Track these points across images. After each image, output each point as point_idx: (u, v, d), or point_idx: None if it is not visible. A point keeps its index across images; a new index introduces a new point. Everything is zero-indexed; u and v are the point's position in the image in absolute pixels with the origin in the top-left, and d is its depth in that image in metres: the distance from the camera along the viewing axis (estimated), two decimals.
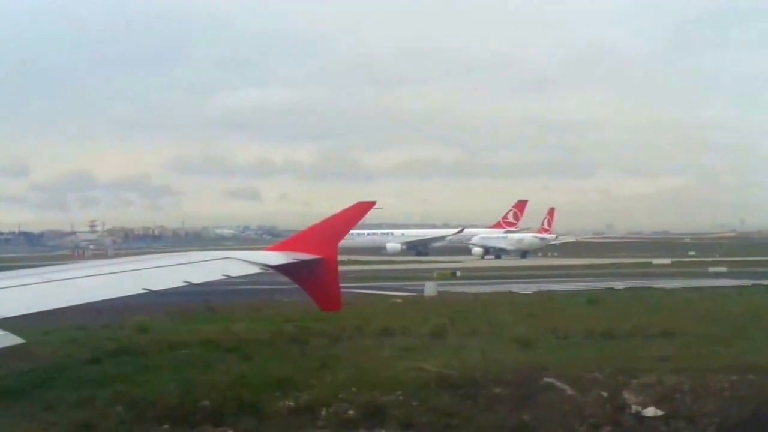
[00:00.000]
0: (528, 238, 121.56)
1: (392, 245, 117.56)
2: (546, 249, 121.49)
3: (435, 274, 66.84)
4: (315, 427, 15.10)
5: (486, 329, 25.71)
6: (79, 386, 17.76)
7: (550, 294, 43.45)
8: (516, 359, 19.46)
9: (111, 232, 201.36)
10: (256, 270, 16.62)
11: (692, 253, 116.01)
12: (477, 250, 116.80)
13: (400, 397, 16.13)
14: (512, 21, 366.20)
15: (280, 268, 17.03)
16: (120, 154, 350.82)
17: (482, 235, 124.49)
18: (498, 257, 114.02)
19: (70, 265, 17.18)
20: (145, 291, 14.62)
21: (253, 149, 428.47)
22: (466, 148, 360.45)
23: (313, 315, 29.08)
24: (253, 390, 16.64)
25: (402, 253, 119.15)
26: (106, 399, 16.45)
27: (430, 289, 45.49)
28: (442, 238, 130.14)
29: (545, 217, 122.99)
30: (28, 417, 15.71)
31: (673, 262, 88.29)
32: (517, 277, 64.02)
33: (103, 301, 14.33)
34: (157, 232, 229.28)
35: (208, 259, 16.77)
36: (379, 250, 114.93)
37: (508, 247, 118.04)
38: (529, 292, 44.71)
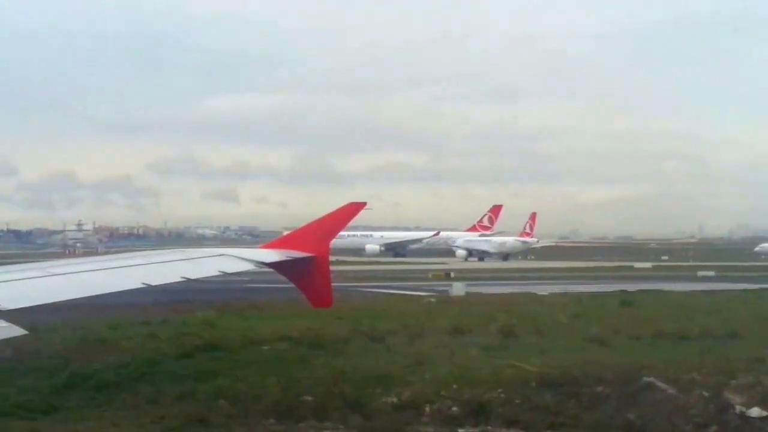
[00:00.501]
0: (511, 241, 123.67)
1: (371, 247, 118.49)
2: (525, 252, 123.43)
3: (430, 275, 68.45)
4: (420, 423, 15.60)
5: (549, 329, 26.22)
6: (177, 380, 18.24)
7: (573, 295, 44.15)
8: (605, 359, 19.65)
9: (97, 231, 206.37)
10: (251, 267, 17.22)
11: (665, 257, 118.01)
12: (461, 252, 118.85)
13: (502, 395, 16.45)
14: (482, 32, 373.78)
15: (273, 266, 17.61)
16: (103, 155, 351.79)
17: (466, 238, 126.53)
18: (481, 259, 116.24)
19: (71, 260, 17.60)
20: (144, 285, 15.22)
21: (232, 153, 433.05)
22: (437, 154, 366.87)
23: (360, 312, 30.17)
24: (354, 386, 16.99)
25: (381, 254, 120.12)
26: (209, 393, 16.89)
27: (458, 289, 46.32)
28: (420, 240, 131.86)
29: (527, 222, 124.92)
30: (134, 410, 16.25)
31: (653, 266, 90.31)
32: (512, 279, 65.17)
33: (104, 294, 14.92)
34: (141, 232, 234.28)
35: (205, 255, 17.31)
36: (358, 251, 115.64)
37: (491, 250, 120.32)
38: (546, 293, 45.87)
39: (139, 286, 14.86)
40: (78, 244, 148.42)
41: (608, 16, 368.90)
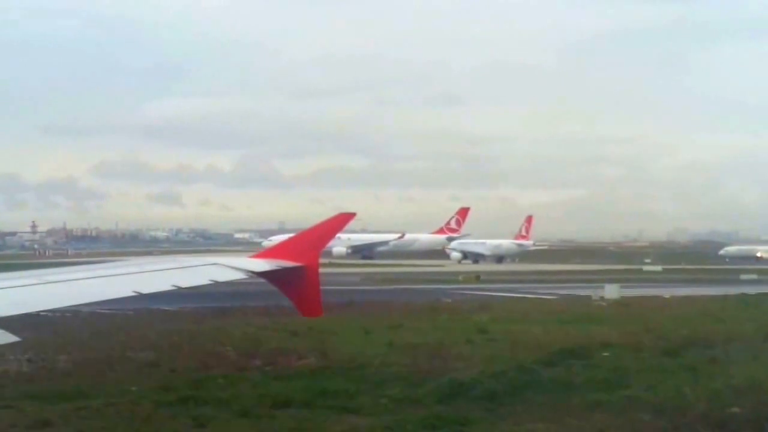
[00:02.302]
0: (506, 244, 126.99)
1: (338, 249, 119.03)
2: (520, 255, 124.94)
3: (461, 277, 71.96)
4: None
5: None
6: (569, 389, 19.18)
7: (713, 299, 47.81)
8: None
9: (51, 232, 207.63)
10: (241, 276, 17.60)
11: (648, 260, 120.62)
12: (455, 255, 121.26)
13: None
14: (427, 35, 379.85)
15: (264, 275, 18.05)
16: (46, 158, 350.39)
17: (461, 241, 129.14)
18: (476, 262, 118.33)
19: (65, 268, 17.89)
20: (135, 294, 15.64)
21: (177, 156, 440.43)
22: (380, 158, 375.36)
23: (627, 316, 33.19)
24: None
25: (348, 257, 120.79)
26: (617, 402, 17.40)
27: (612, 291, 48.23)
28: (386, 242, 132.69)
29: (523, 224, 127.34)
30: (548, 422, 16.68)
31: (664, 269, 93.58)
32: (540, 281, 68.92)
33: (99, 302, 15.32)
34: (94, 234, 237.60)
35: (197, 264, 17.70)
36: (324, 253, 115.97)
37: (486, 253, 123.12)
38: (669, 296, 49.93)
39: (130, 294, 15.28)
40: (35, 246, 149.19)
41: (552, 22, 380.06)
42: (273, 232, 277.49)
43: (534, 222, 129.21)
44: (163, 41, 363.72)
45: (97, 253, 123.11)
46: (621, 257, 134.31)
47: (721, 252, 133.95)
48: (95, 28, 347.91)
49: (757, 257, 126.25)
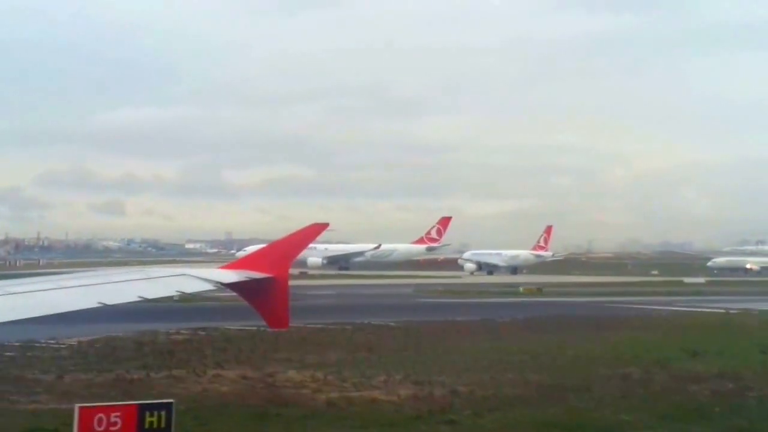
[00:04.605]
0: (524, 254, 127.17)
1: (313, 259, 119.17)
2: (537, 266, 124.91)
3: (521, 289, 73.77)
4: None
5: None
6: None
7: None
8: None
9: (2, 242, 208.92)
10: (210, 287, 17.89)
11: (655, 272, 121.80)
12: (469, 266, 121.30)
13: None
14: (381, 45, 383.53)
15: (232, 286, 18.35)
16: None
17: (474, 251, 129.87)
18: (491, 273, 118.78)
19: (30, 279, 18.07)
20: (100, 305, 15.88)
21: (123, 166, 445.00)
22: (327, 168, 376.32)
23: None
24: None
25: (323, 267, 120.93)
26: None
27: None
28: (362, 253, 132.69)
29: (542, 235, 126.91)
30: None
31: (707, 281, 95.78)
32: (598, 294, 71.96)
33: (66, 313, 15.53)
34: (46, 244, 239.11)
35: (165, 275, 17.96)
36: (298, 263, 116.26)
37: (501, 264, 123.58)
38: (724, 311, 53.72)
39: (95, 305, 15.52)
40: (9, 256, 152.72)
41: (507, 31, 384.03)
42: (222, 243, 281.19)
43: (553, 232, 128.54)
44: (114, 50, 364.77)
45: (69, 263, 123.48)
46: (606, 269, 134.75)
47: (710, 264, 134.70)
48: (48, 33, 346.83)
49: (747, 269, 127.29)
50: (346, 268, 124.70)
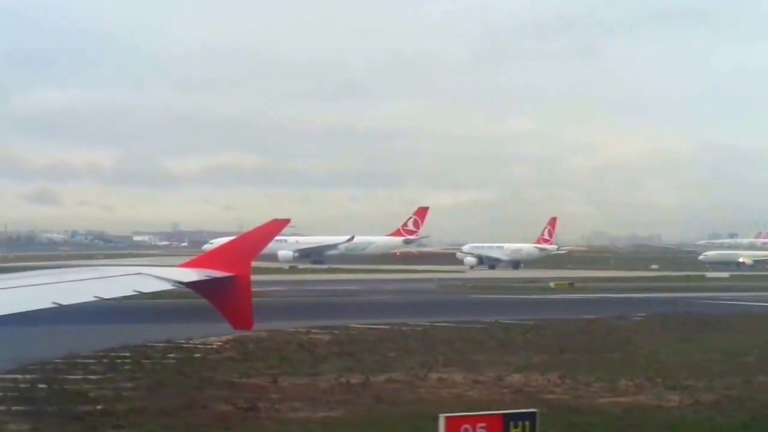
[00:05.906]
0: (527, 248, 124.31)
1: (284, 253, 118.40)
2: (540, 260, 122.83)
3: (552, 284, 73.52)
4: None
5: None
6: None
7: None
8: None
9: None
10: (168, 286, 17.71)
11: (655, 266, 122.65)
12: (469, 260, 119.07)
13: None
14: (327, 25, 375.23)
15: (191, 285, 18.18)
16: None
17: (474, 244, 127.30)
18: (492, 267, 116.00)
19: None
20: (55, 305, 15.65)
21: (51, 152, 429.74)
22: (273, 155, 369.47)
23: None
24: None
25: (295, 260, 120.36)
26: None
27: None
28: (335, 246, 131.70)
29: (545, 227, 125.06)
30: None
31: (731, 275, 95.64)
32: (639, 290, 71.36)
33: (18, 314, 15.28)
34: None
35: (120, 274, 17.77)
36: (269, 257, 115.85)
37: (503, 257, 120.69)
38: None
39: (50, 305, 15.29)
40: None
41: (460, 12, 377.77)
42: (171, 235, 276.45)
43: (558, 224, 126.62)
44: (36, 29, 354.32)
45: (17, 257, 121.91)
46: (592, 263, 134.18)
47: (701, 257, 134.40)
48: None
49: (740, 263, 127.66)
50: (320, 262, 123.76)
